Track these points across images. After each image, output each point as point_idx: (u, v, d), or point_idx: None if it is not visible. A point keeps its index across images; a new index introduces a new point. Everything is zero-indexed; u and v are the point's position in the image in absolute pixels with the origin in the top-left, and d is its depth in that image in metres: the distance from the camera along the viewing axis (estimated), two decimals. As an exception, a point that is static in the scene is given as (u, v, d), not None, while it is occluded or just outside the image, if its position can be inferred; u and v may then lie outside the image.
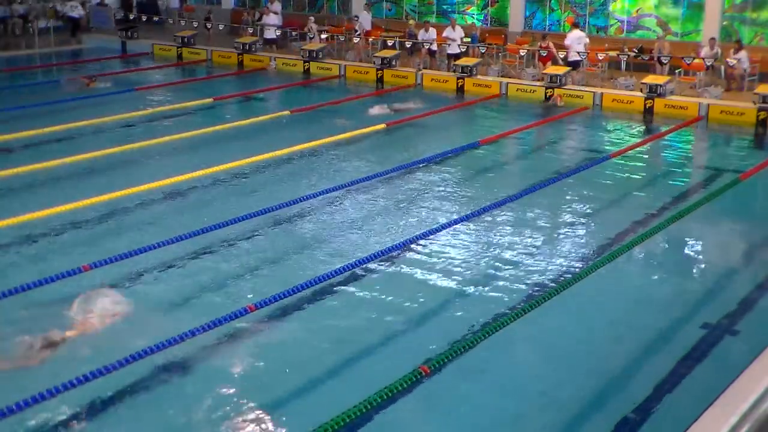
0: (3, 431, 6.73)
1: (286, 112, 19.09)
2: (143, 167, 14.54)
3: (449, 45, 23.58)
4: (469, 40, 24.44)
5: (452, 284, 10.02)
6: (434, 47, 24.12)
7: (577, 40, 21.88)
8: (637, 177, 15.08)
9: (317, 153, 15.84)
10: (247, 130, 17.64)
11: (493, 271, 10.45)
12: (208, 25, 28.03)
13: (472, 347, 8.04)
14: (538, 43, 23.49)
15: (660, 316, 9.39)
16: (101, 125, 17.35)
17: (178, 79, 23.81)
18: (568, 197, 13.42)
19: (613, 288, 10.18)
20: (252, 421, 7.20)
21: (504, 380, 8.06)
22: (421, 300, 9.58)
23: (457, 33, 23.76)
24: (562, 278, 10.05)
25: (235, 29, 29.01)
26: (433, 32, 24.33)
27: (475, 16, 27.67)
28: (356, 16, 27.87)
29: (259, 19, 28.26)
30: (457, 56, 23.43)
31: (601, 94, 20.71)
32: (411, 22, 27.12)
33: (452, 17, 26.52)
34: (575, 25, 23.44)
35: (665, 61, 21.50)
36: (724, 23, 23.64)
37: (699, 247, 12.15)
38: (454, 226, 11.78)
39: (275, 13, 27.71)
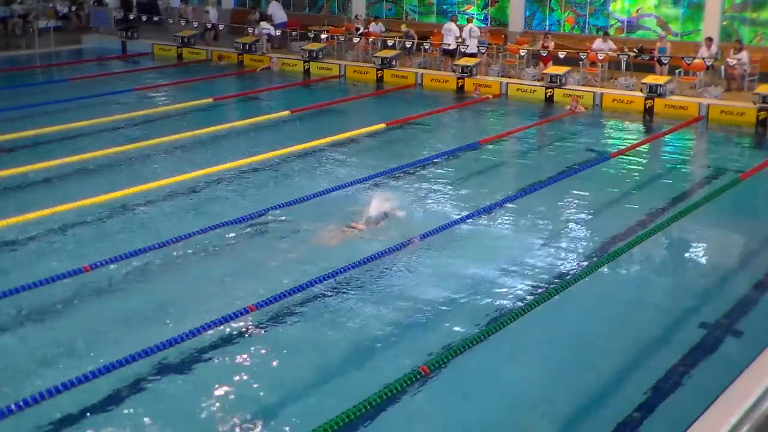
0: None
1: (286, 112, 19.09)
2: (143, 167, 14.53)
3: (466, 46, 23.50)
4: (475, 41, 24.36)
5: (451, 284, 9.99)
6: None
7: None
8: (638, 177, 15.07)
9: (317, 153, 15.83)
10: (247, 130, 17.66)
11: (493, 271, 10.43)
12: (209, 26, 28.02)
13: (472, 347, 8.04)
14: (540, 43, 23.48)
15: (660, 316, 9.40)
16: (101, 125, 17.35)
17: (178, 79, 23.80)
18: (568, 197, 13.41)
19: (613, 288, 10.19)
20: (251, 421, 7.19)
21: (503, 380, 8.05)
22: (421, 300, 9.56)
23: (470, 33, 23.76)
24: (562, 278, 10.04)
25: (235, 29, 28.98)
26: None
27: (475, 16, 27.65)
28: (357, 16, 27.84)
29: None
30: (453, 54, 23.50)
31: (601, 94, 20.70)
32: (403, 26, 27.08)
33: (469, 17, 26.49)
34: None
35: (665, 61, 21.50)
36: (724, 23, 23.63)
37: (699, 247, 12.14)
38: (454, 227, 11.77)
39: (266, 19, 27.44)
